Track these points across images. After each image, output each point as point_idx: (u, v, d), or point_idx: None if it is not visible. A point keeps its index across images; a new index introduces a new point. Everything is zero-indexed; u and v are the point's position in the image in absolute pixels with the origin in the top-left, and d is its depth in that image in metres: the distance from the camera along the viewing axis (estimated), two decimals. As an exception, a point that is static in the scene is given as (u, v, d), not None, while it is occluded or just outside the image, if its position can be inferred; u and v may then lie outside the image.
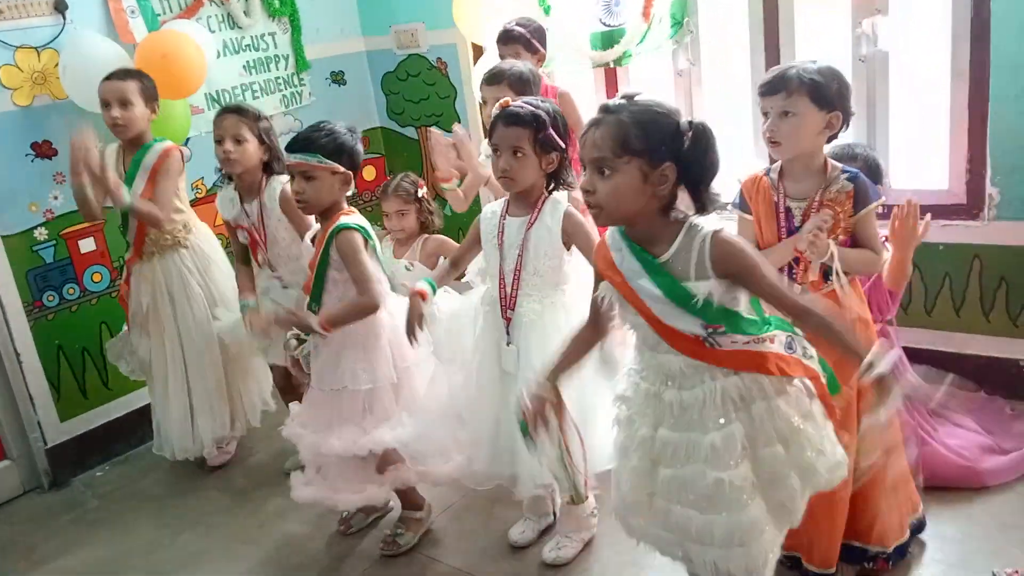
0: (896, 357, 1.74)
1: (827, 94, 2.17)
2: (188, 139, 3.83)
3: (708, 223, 1.79)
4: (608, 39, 3.78)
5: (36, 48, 3.40)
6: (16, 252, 3.42)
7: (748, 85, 3.56)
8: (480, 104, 3.20)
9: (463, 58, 4.30)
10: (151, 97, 3.27)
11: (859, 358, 1.74)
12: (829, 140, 2.27)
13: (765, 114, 2.24)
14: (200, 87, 3.63)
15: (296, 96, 4.32)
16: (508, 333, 2.49)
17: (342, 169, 2.56)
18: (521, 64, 3.12)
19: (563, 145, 2.41)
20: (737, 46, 3.62)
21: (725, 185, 1.87)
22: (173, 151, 3.30)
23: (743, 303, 1.84)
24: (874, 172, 2.86)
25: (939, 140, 3.23)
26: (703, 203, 1.79)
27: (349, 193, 2.66)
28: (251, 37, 4.10)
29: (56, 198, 3.50)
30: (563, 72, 4.03)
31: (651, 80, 3.92)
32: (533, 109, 2.37)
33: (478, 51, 4.24)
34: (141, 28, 3.61)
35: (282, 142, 4.16)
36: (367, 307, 2.57)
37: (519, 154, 2.36)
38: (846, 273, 2.21)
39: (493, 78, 3.06)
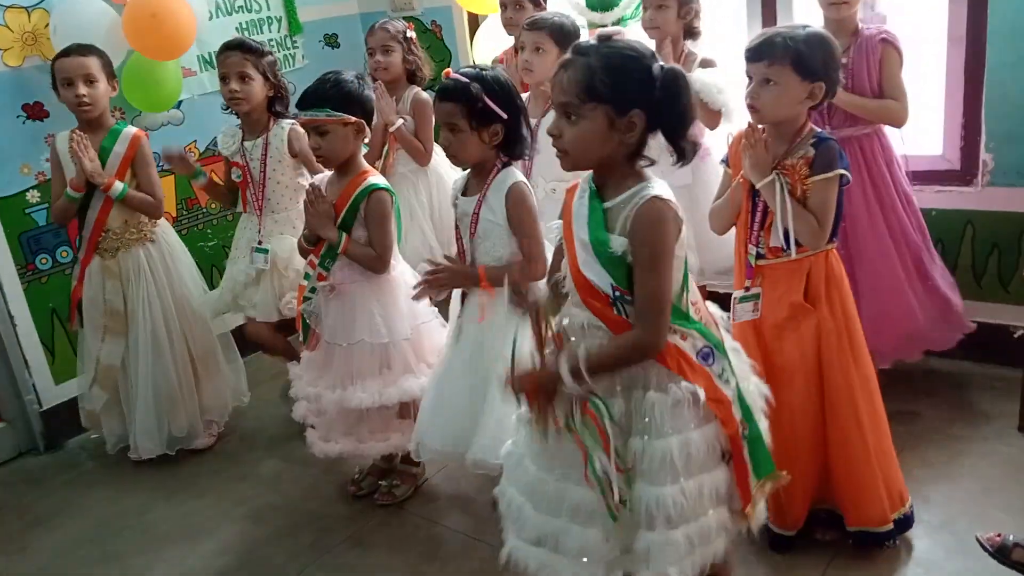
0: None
1: (811, 64, 2.13)
2: (180, 102, 3.81)
3: (657, 187, 1.73)
4: (605, 2, 3.74)
5: (26, 8, 3.37)
6: (8, 215, 3.41)
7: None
8: (518, 49, 3.12)
9: (458, 21, 4.27)
10: (111, 74, 3.19)
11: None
12: (814, 108, 2.25)
13: (749, 77, 2.23)
14: (190, 47, 3.59)
15: (289, 59, 4.28)
16: (463, 309, 2.45)
17: (353, 119, 2.54)
18: (566, 17, 3.04)
19: (505, 116, 2.25)
20: (735, 14, 3.57)
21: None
22: (144, 137, 3.23)
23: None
24: None
25: (934, 106, 3.21)
26: (682, 151, 1.75)
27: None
28: (244, -1, 4.05)
29: (48, 160, 3.48)
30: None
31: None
32: (467, 81, 2.22)
33: (473, 16, 4.21)
34: (132, -13, 3.57)
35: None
36: (377, 268, 2.61)
37: (455, 130, 2.25)
38: (797, 243, 2.18)
39: (533, 24, 2.99)
